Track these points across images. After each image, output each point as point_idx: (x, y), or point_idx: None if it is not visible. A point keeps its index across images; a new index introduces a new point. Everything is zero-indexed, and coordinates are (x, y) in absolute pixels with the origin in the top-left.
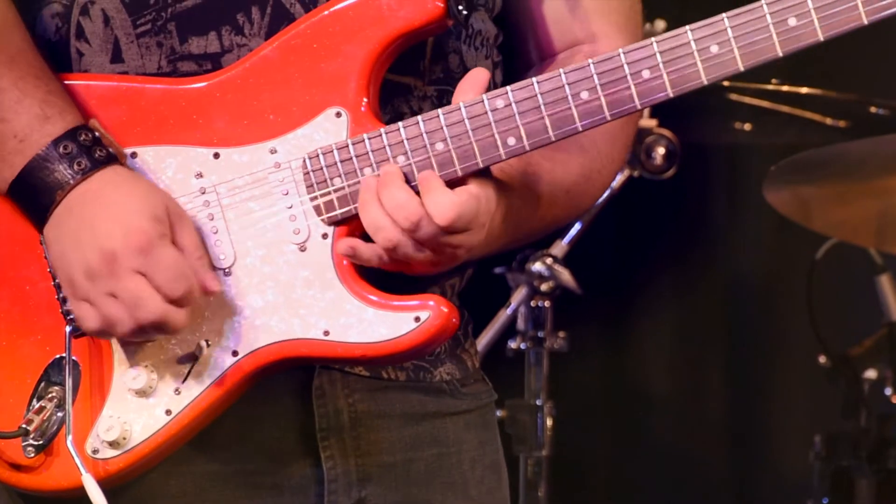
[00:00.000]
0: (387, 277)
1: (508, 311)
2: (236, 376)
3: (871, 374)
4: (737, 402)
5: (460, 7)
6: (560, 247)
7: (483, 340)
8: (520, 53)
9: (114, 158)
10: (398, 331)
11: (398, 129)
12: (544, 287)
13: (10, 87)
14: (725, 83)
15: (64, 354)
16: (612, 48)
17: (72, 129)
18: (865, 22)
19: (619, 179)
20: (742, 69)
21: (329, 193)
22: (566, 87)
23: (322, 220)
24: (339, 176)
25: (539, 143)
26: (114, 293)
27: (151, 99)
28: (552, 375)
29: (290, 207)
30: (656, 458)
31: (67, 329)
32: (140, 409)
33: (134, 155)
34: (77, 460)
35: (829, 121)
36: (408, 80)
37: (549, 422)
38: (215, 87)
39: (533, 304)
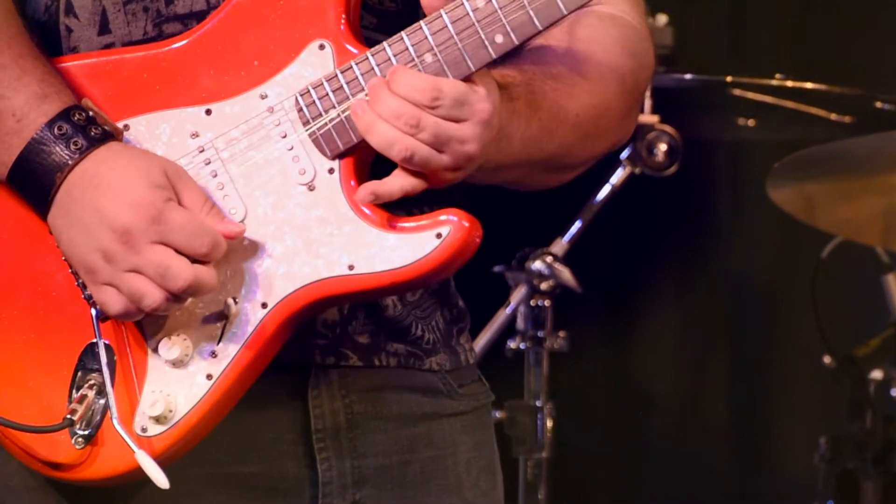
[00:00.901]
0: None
1: (508, 310)
2: (271, 328)
3: (876, 374)
4: (740, 403)
5: None
6: (560, 245)
7: (482, 340)
8: None
9: (109, 136)
10: (423, 251)
11: (384, 49)
12: (544, 286)
13: (10, 63)
14: (728, 78)
15: (95, 340)
16: (619, 10)
17: (65, 110)
18: None
19: (621, 177)
20: None
21: (326, 126)
22: None
23: (325, 155)
24: (334, 107)
25: (527, 35)
26: (137, 269)
27: (133, 68)
28: (552, 376)
29: (291, 149)
30: (658, 460)
31: (94, 312)
32: (181, 379)
33: (126, 127)
34: (128, 439)
35: (833, 116)
36: None
37: (549, 423)
38: (195, 44)
39: (533, 303)
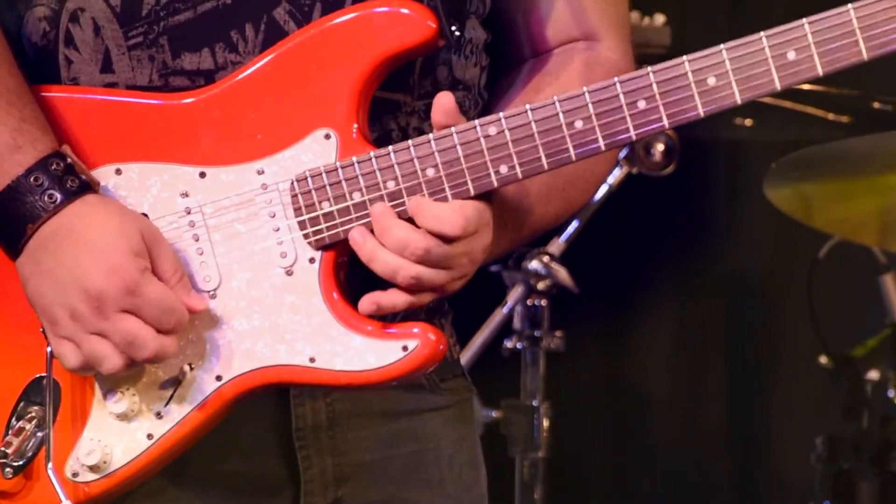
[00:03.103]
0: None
1: (504, 309)
2: (219, 401)
3: (873, 375)
4: (737, 403)
5: (453, 28)
6: (557, 244)
7: (478, 340)
8: (511, 50)
9: (86, 187)
10: (385, 360)
11: (388, 154)
12: (541, 285)
13: None
14: None
15: (44, 374)
16: (608, 48)
17: (43, 159)
18: (866, 58)
19: (618, 176)
20: (739, 102)
21: (317, 217)
22: (560, 115)
23: (309, 244)
24: (328, 199)
25: (532, 172)
26: (102, 333)
27: (137, 114)
28: (549, 375)
29: (278, 230)
30: (655, 460)
31: (49, 349)
32: (121, 432)
33: (118, 171)
34: (57, 487)
35: (831, 116)
36: (397, 96)
37: (545, 423)
38: (203, 104)
39: (529, 302)
